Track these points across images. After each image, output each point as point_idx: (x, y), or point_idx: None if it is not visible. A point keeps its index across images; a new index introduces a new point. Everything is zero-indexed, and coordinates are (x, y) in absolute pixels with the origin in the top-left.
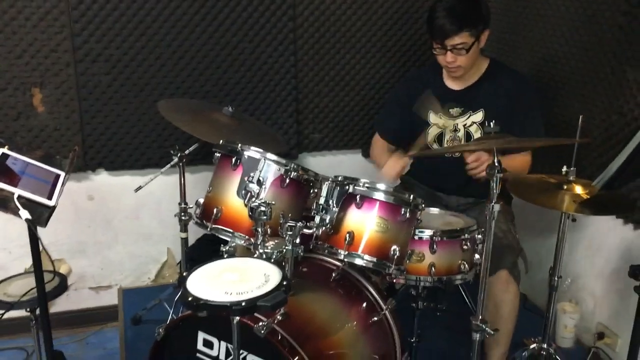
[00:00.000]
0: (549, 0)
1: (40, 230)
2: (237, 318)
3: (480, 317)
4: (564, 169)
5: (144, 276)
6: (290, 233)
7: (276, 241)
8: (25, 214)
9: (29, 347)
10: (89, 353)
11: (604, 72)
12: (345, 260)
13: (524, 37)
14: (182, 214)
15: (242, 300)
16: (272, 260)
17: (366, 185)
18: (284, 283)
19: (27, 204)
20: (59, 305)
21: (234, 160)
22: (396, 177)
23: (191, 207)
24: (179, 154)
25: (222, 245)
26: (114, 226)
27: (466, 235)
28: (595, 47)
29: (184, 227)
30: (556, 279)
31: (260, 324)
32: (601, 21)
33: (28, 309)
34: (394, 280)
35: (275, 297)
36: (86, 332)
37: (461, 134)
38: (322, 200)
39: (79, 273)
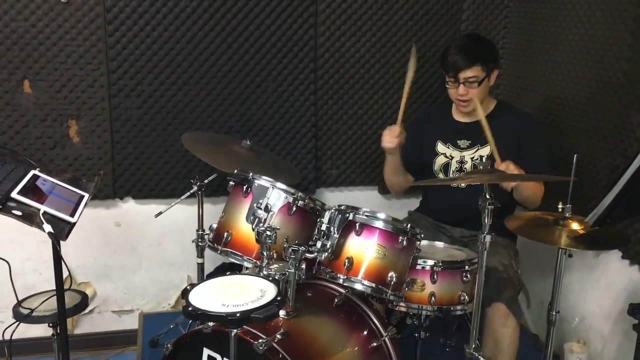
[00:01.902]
0: (559, 47)
1: (68, 253)
2: (235, 331)
3: (473, 345)
4: (560, 205)
5: (164, 302)
6: (293, 257)
7: (281, 264)
8: (48, 227)
9: None
10: None
11: (609, 115)
12: (345, 284)
13: (535, 81)
14: (199, 240)
15: (237, 312)
16: (270, 279)
17: (366, 213)
18: (278, 298)
19: (51, 219)
20: (82, 327)
21: (245, 188)
22: (393, 145)
23: (208, 234)
24: (198, 184)
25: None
26: (139, 252)
27: (467, 267)
28: (601, 92)
29: (200, 253)
30: (554, 313)
31: (260, 341)
32: (607, 67)
33: (50, 324)
34: (396, 308)
35: (268, 310)
36: (107, 354)
37: (468, 166)
38: (324, 227)
39: (103, 296)
